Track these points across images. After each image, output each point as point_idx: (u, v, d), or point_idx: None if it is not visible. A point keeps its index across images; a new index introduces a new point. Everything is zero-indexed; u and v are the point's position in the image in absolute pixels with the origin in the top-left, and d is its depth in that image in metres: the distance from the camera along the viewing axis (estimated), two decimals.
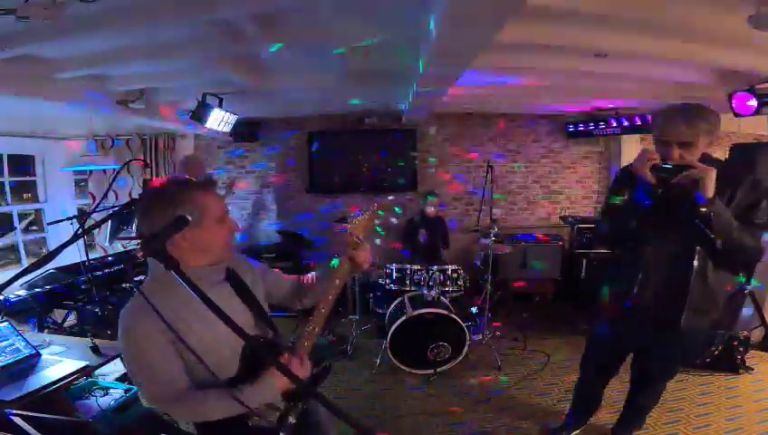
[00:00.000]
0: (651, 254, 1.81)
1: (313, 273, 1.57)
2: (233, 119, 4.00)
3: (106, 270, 3.71)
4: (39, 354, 2.13)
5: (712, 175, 1.56)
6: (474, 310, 4.00)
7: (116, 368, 2.94)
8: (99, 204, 4.66)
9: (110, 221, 3.52)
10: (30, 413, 1.71)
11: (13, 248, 4.46)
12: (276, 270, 1.54)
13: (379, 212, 1.50)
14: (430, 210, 4.54)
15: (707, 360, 3.18)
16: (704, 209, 1.57)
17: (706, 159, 1.69)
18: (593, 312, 2.22)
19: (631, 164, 1.75)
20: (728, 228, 1.59)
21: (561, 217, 5.29)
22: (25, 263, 4.46)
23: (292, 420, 1.21)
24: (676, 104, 1.71)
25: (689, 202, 1.61)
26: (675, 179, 1.62)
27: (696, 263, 1.73)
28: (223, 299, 1.19)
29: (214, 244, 1.19)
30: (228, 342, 1.16)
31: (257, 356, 1.20)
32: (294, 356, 1.25)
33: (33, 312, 3.16)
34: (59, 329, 3.35)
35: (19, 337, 2.15)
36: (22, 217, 4.64)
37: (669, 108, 1.71)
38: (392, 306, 3.66)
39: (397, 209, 4.56)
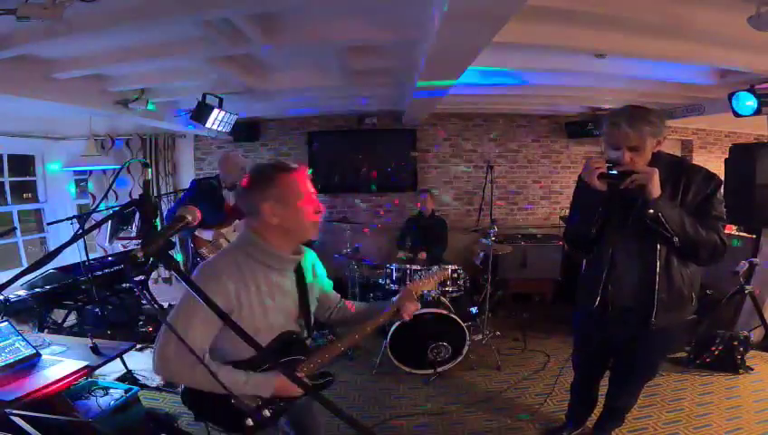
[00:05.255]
0: (615, 254, 1.84)
1: (357, 303, 1.70)
2: (233, 119, 4.00)
3: (106, 270, 3.71)
4: (39, 354, 2.12)
5: (654, 177, 1.61)
6: (474, 310, 4.00)
7: (116, 368, 2.96)
8: (99, 204, 4.66)
9: (110, 221, 3.52)
10: (30, 413, 1.71)
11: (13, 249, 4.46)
12: (331, 286, 1.66)
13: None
14: (424, 207, 4.53)
15: (707, 360, 3.18)
16: (651, 211, 1.62)
17: (660, 158, 1.73)
18: (574, 311, 2.24)
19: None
20: (680, 225, 1.62)
21: (561, 217, 5.30)
22: (25, 263, 4.46)
23: (266, 413, 1.33)
24: (618, 108, 1.74)
25: (638, 205, 1.66)
26: (622, 185, 1.66)
27: (658, 261, 1.75)
28: (285, 286, 1.39)
29: (298, 223, 1.32)
30: (268, 323, 1.31)
31: (280, 349, 1.35)
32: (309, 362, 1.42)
33: (33, 312, 3.16)
34: (59, 329, 3.35)
35: (19, 337, 2.14)
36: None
37: (613, 113, 1.74)
38: None
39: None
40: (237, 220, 3.45)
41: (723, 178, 1.75)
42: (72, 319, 3.59)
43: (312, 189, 1.36)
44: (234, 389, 1.19)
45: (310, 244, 1.53)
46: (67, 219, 3.32)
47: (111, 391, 2.50)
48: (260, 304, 1.28)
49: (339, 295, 1.68)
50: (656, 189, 1.62)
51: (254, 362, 1.29)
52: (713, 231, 1.66)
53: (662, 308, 1.78)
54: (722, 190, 1.74)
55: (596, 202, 1.78)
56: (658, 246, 1.74)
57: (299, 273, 1.43)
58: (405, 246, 4.36)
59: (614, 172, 1.67)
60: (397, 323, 3.21)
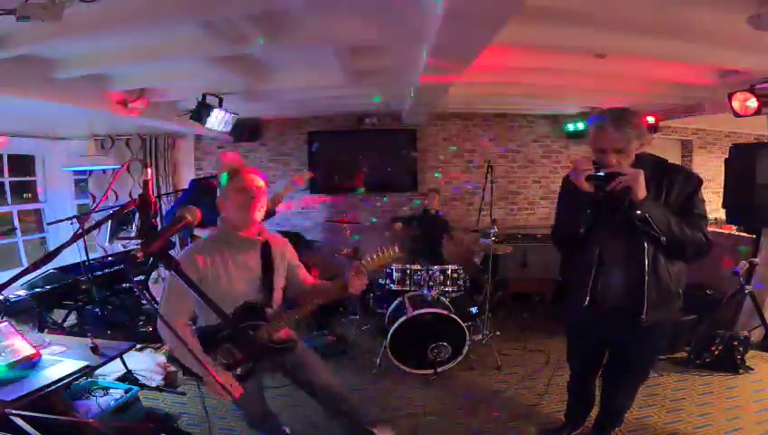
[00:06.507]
0: (603, 254, 1.87)
1: (316, 281, 1.98)
2: (233, 119, 3.99)
3: (106, 270, 3.71)
4: (39, 354, 2.12)
5: (640, 179, 1.65)
6: (474, 310, 3.99)
7: (116, 368, 2.95)
8: (99, 204, 4.66)
9: (110, 221, 3.52)
10: (30, 413, 1.71)
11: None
12: (301, 268, 1.97)
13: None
14: (430, 203, 4.65)
15: (707, 360, 3.18)
16: (638, 212, 1.65)
17: (643, 159, 1.78)
18: (564, 310, 2.25)
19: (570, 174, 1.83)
20: (667, 225, 1.66)
21: None
22: (25, 263, 4.46)
23: (239, 371, 1.69)
24: (603, 111, 1.79)
25: (625, 206, 1.69)
26: (609, 187, 1.69)
27: (646, 260, 1.78)
28: (248, 262, 1.76)
29: (235, 209, 1.71)
30: (232, 297, 1.67)
31: (243, 315, 1.71)
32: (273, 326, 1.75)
33: (33, 312, 3.16)
34: (59, 329, 3.35)
35: (19, 337, 2.14)
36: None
37: (597, 116, 1.79)
38: (392, 306, 3.66)
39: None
40: None
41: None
42: (72, 319, 3.59)
43: (255, 183, 1.73)
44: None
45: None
46: (67, 219, 3.32)
47: (111, 391, 2.50)
48: (225, 275, 1.68)
49: (309, 276, 1.98)
50: (641, 190, 1.65)
51: (222, 326, 1.66)
52: (697, 229, 1.71)
53: (651, 306, 1.80)
54: (702, 189, 1.79)
55: (583, 203, 1.81)
56: (646, 246, 1.77)
57: (265, 254, 1.79)
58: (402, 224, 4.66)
59: (601, 174, 1.70)
60: (397, 323, 3.21)
